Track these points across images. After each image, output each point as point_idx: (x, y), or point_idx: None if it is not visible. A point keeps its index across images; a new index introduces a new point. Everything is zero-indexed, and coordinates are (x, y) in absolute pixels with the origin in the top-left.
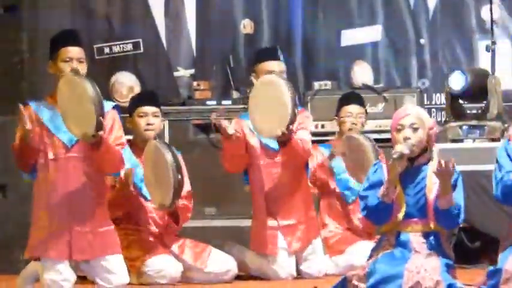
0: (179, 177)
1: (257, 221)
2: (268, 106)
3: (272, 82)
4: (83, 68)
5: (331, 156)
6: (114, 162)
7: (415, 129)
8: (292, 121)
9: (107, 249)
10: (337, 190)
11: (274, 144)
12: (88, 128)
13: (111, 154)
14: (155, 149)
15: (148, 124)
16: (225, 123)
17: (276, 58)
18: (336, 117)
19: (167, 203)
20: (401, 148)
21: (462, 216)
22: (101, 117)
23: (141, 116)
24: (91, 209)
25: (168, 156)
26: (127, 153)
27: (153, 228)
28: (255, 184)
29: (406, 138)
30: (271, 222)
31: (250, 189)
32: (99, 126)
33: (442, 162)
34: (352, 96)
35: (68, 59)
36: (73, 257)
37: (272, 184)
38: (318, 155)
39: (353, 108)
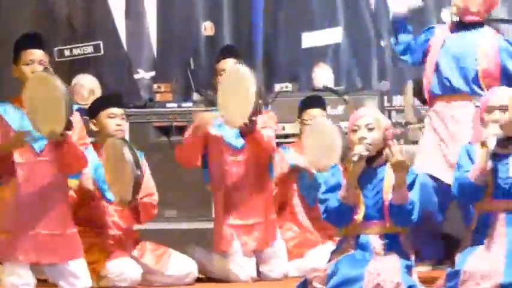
0: (138, 172)
1: (217, 220)
2: (234, 96)
3: (239, 72)
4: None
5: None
6: (77, 162)
7: (371, 129)
8: (254, 112)
9: (73, 253)
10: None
11: (237, 143)
12: (57, 126)
13: (74, 154)
14: (113, 146)
15: (117, 125)
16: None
17: (229, 56)
18: (299, 120)
19: (127, 198)
20: (359, 149)
21: (416, 214)
22: (70, 117)
23: (111, 118)
24: (57, 212)
25: (126, 153)
26: (91, 154)
27: (114, 232)
28: (216, 182)
29: (361, 139)
30: (229, 221)
31: (210, 187)
32: (68, 125)
33: (392, 150)
34: (316, 100)
35: (29, 62)
36: (41, 260)
37: (233, 183)
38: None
39: (316, 112)
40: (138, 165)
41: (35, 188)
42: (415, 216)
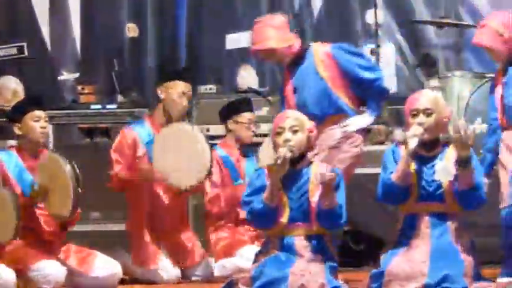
0: (79, 189)
1: (136, 238)
2: (181, 154)
3: (190, 133)
4: None
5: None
6: None
7: (295, 132)
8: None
9: None
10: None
11: None
12: (4, 237)
13: None
14: (54, 161)
15: (42, 128)
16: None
17: (188, 80)
18: (230, 121)
19: (65, 214)
20: (284, 152)
21: (345, 217)
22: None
23: (36, 121)
24: None
25: (68, 168)
26: (14, 158)
27: (39, 234)
28: (136, 200)
29: (286, 141)
30: (152, 239)
31: (130, 205)
32: (16, 234)
33: (324, 174)
34: (249, 103)
35: None
36: None
37: (155, 200)
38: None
39: (251, 115)
40: (78, 182)
41: None
42: (344, 219)
